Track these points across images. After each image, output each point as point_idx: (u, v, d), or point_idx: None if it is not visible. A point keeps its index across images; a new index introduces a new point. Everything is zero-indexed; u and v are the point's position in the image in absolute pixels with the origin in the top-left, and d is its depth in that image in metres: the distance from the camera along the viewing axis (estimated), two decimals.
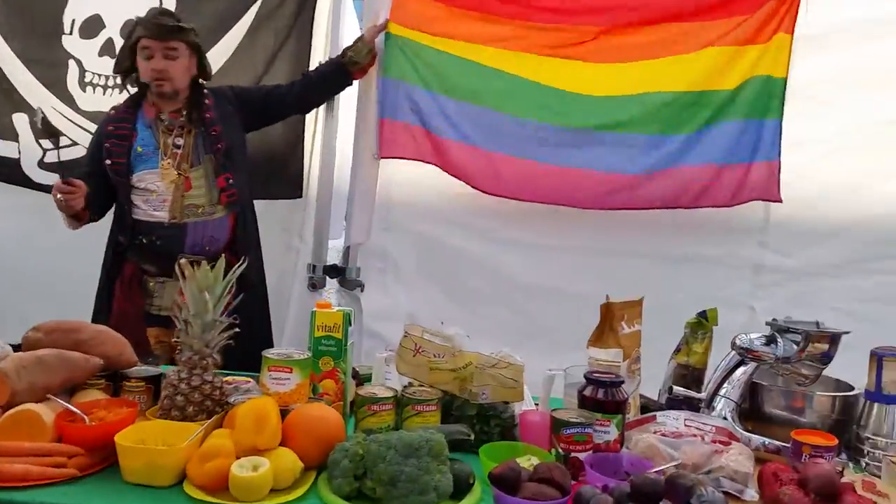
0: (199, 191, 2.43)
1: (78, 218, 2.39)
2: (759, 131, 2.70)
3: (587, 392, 1.58)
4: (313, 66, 2.90)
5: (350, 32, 3.01)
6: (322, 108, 2.97)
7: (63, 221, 2.39)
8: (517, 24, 2.80)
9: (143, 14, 2.42)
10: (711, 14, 2.74)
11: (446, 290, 3.02)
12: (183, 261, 1.56)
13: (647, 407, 1.87)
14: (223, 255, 2.30)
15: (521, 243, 2.99)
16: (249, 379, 1.73)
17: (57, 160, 2.89)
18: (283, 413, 1.50)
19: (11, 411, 1.47)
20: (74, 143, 3.00)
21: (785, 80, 2.69)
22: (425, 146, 2.83)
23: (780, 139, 2.69)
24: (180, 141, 2.44)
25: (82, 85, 3.00)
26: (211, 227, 2.43)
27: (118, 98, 2.87)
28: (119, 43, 2.92)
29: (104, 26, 2.99)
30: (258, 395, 1.59)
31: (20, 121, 3.05)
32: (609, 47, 2.80)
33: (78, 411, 1.50)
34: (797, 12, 2.70)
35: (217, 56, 2.92)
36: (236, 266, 1.61)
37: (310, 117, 2.98)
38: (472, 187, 2.84)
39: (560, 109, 2.79)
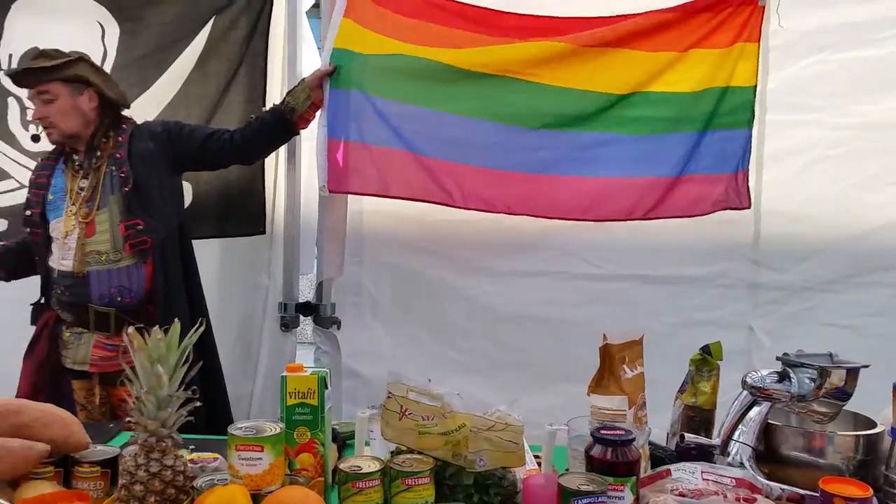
0: (102, 236, 2.23)
1: None
2: (723, 142, 2.58)
3: (595, 453, 1.42)
4: (270, 94, 2.74)
5: (309, 57, 2.86)
6: None
7: None
8: (476, 35, 2.63)
9: (78, 47, 2.26)
10: (669, 27, 2.61)
11: (426, 324, 2.88)
12: (131, 329, 1.37)
13: (657, 456, 1.72)
14: (146, 308, 2.22)
15: (500, 271, 2.86)
16: (216, 455, 1.55)
17: None
18: (256, 498, 1.33)
19: None
20: (22, 186, 2.79)
21: (754, 90, 2.57)
22: (380, 171, 2.55)
23: (750, 149, 2.57)
24: (84, 182, 2.26)
25: (24, 124, 2.80)
26: (117, 276, 2.24)
27: None
28: None
29: None
30: (226, 477, 1.41)
31: None
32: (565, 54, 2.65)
33: None
34: (761, 21, 2.60)
35: (166, 86, 2.76)
36: (193, 330, 1.42)
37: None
38: (436, 203, 2.61)
39: (518, 104, 2.60)
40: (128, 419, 1.40)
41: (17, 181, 2.81)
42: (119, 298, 2.23)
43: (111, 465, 1.50)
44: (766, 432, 1.69)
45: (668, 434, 1.86)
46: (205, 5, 2.77)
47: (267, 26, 2.79)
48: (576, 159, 2.60)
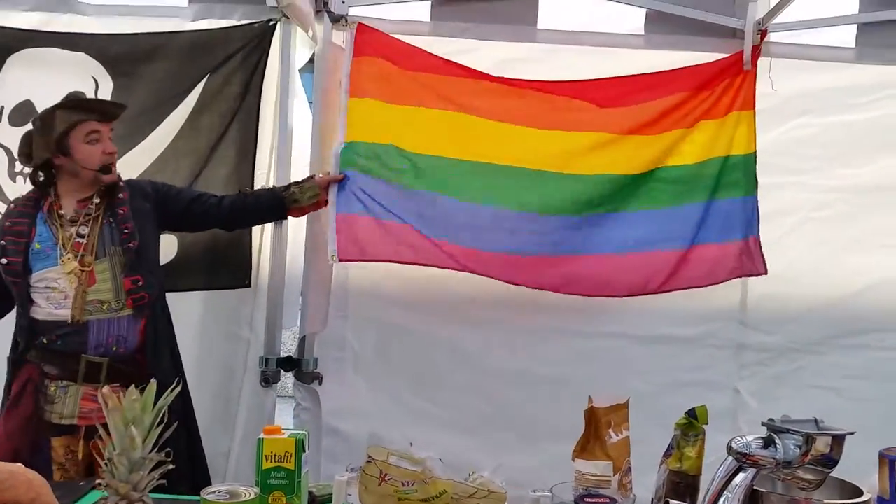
0: (104, 285, 2.23)
1: None
2: (731, 210, 2.62)
3: None
4: (260, 149, 2.75)
5: (300, 112, 2.88)
6: None
7: None
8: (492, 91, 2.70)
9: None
10: (673, 109, 2.68)
11: (410, 380, 2.86)
12: (106, 390, 1.35)
13: None
14: (135, 357, 2.20)
15: (485, 325, 2.84)
16: None
17: None
18: None
19: None
20: None
21: (754, 156, 2.62)
22: (389, 240, 2.62)
23: (758, 215, 2.60)
24: (85, 230, 2.25)
25: (12, 175, 2.79)
26: (117, 325, 2.23)
27: None
28: None
29: (36, 112, 2.77)
30: None
31: None
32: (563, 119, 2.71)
33: None
34: (753, 88, 2.65)
35: (157, 141, 2.75)
36: (169, 390, 1.39)
37: None
38: (447, 268, 2.65)
39: (523, 190, 2.66)
40: (98, 481, 1.36)
41: None
42: (115, 348, 2.22)
43: None
44: (752, 499, 1.66)
45: (652, 499, 1.82)
46: (199, 63, 2.79)
47: (260, 83, 2.81)
48: (585, 239, 2.66)
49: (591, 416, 1.68)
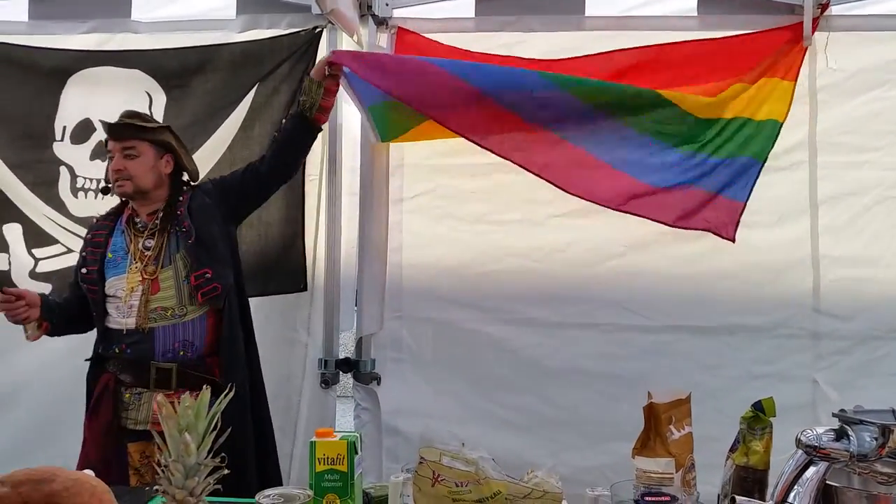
0: (167, 292, 2.28)
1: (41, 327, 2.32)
2: (730, 167, 2.46)
3: None
4: (311, 155, 2.77)
5: (349, 115, 2.89)
6: (323, 196, 2.84)
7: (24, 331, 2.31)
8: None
9: None
10: (724, 73, 2.56)
11: (467, 379, 2.82)
12: (160, 398, 1.37)
13: None
14: (206, 361, 2.24)
15: (542, 322, 2.78)
16: None
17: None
18: None
19: None
20: (68, 251, 2.87)
21: (780, 127, 2.49)
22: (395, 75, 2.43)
23: (754, 183, 2.45)
24: (150, 242, 2.32)
25: (74, 191, 2.89)
26: (182, 330, 2.27)
27: (109, 202, 2.76)
28: None
29: (94, 129, 2.89)
30: None
31: (10, 231, 2.92)
32: None
33: None
34: (801, 62, 2.53)
35: (211, 151, 2.81)
36: (222, 396, 1.40)
37: (310, 208, 2.84)
38: (460, 134, 2.45)
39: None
40: (156, 487, 1.38)
41: (63, 246, 2.89)
42: (182, 353, 2.27)
43: None
44: (825, 494, 1.58)
45: (718, 495, 1.75)
46: (249, 73, 2.84)
47: None
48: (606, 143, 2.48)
49: (651, 412, 1.63)
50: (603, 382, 2.68)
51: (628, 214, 2.44)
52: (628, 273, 2.70)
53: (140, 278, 2.28)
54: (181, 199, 2.38)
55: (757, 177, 2.45)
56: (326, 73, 2.44)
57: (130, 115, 2.38)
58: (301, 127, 2.48)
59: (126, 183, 2.32)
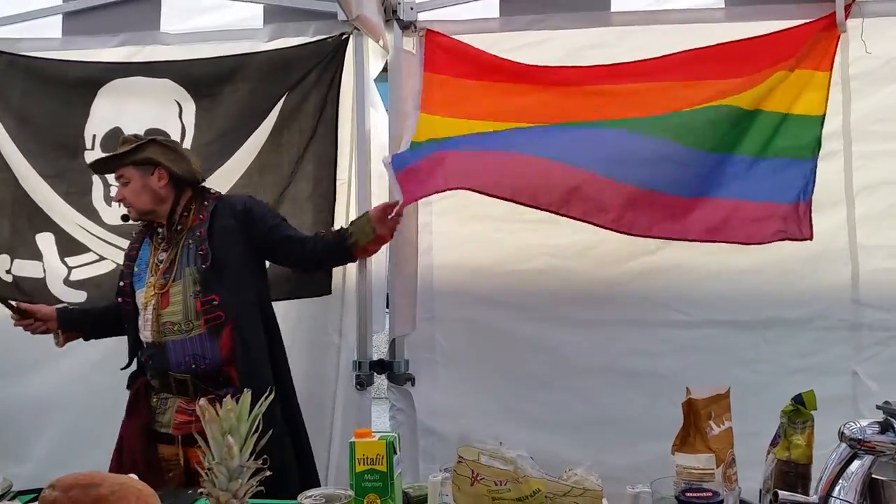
0: (175, 307, 2.29)
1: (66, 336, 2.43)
2: (783, 171, 2.44)
3: None
4: (341, 161, 2.82)
5: (378, 121, 2.90)
6: (353, 199, 2.85)
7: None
8: (554, 92, 2.63)
9: (158, 125, 2.36)
10: (757, 68, 2.53)
11: (502, 378, 2.81)
12: (202, 402, 1.39)
13: None
14: (223, 370, 2.24)
15: (577, 320, 2.76)
16: None
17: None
18: None
19: None
20: (101, 258, 2.94)
21: (822, 120, 2.45)
22: (454, 170, 2.47)
23: (814, 179, 2.43)
24: (163, 255, 2.35)
25: (107, 199, 2.94)
26: (190, 344, 2.28)
27: None
28: None
29: None
30: None
31: (43, 240, 2.99)
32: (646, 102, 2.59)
33: None
34: (835, 49, 2.49)
35: (242, 159, 2.85)
36: (262, 399, 1.42)
37: (340, 209, 2.85)
38: (498, 197, 2.48)
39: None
40: (200, 489, 1.40)
41: (96, 254, 2.94)
42: (194, 366, 2.28)
43: None
44: (871, 488, 1.55)
45: (760, 490, 1.73)
46: (278, 81, 2.86)
47: (337, 96, 2.85)
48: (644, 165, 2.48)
49: (690, 407, 1.62)
50: (640, 379, 2.66)
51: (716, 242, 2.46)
52: (662, 269, 2.68)
53: (153, 292, 2.31)
54: (202, 215, 2.36)
55: (814, 173, 2.43)
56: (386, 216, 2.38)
57: (122, 140, 2.41)
58: (338, 252, 2.46)
59: (129, 209, 2.37)
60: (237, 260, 2.35)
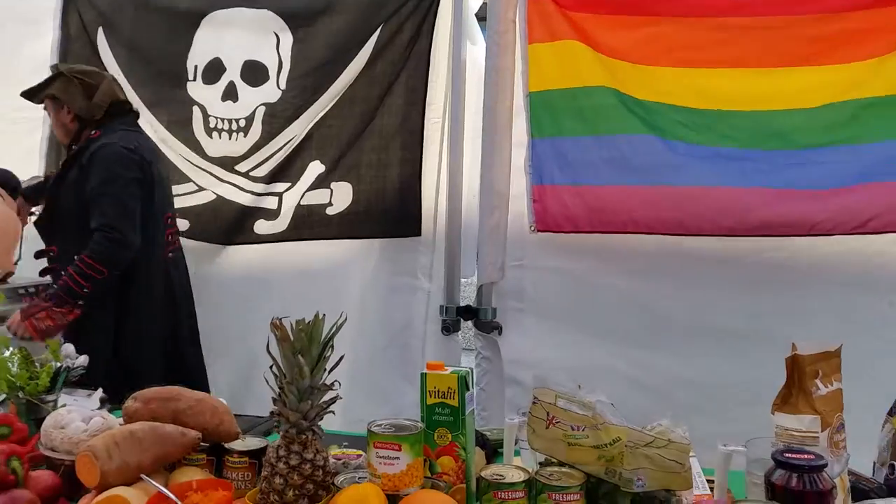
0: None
1: None
2: None
3: (778, 480, 1.21)
4: (431, 96, 2.74)
5: (475, 58, 2.79)
6: (445, 140, 2.78)
7: None
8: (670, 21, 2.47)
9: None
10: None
11: (594, 334, 2.68)
12: (276, 320, 1.36)
13: (860, 488, 1.45)
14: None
15: (674, 276, 2.59)
16: (361, 452, 1.50)
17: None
18: (394, 499, 1.27)
19: (99, 498, 1.33)
20: (199, 189, 2.99)
21: None
22: (580, 210, 2.60)
23: None
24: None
25: (208, 131, 2.99)
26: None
27: (243, 142, 2.83)
28: (240, 86, 2.91)
29: (224, 69, 2.97)
30: (367, 475, 1.35)
31: None
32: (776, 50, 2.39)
33: (171, 495, 1.34)
34: None
35: (336, 91, 2.84)
36: (337, 320, 1.37)
37: (433, 149, 2.79)
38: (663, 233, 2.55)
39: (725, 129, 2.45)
40: (272, 409, 1.39)
41: (195, 184, 3.00)
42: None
43: (259, 456, 1.50)
44: None
45: (874, 464, 1.57)
46: (374, 13, 2.81)
47: (432, 28, 2.78)
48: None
49: (795, 364, 1.46)
50: (739, 341, 2.48)
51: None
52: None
53: None
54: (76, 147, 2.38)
55: None
56: None
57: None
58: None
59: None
60: (74, 210, 2.34)
